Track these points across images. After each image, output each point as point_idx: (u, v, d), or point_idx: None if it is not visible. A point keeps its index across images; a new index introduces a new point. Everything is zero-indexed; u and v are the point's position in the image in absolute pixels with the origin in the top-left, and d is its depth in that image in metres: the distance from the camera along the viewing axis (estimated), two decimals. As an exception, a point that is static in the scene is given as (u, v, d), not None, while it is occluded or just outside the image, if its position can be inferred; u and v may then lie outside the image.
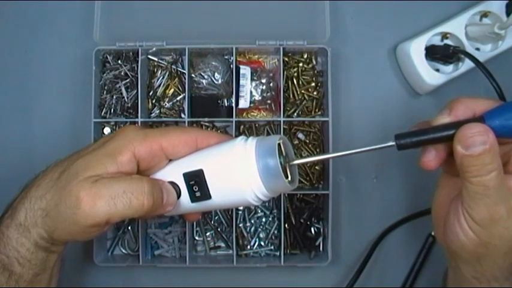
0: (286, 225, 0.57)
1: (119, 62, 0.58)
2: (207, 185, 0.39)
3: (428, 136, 0.36)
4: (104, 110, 0.58)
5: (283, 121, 0.56)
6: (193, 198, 0.40)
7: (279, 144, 0.38)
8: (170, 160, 0.41)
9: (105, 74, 0.58)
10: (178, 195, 0.40)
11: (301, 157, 0.44)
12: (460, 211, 0.37)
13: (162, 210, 0.40)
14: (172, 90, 0.59)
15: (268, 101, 0.58)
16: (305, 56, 0.59)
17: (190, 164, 0.40)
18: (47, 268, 0.42)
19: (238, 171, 0.37)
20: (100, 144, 0.40)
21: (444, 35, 0.56)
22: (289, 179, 0.38)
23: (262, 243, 0.58)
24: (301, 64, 0.59)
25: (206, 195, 0.39)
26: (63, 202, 0.38)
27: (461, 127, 0.35)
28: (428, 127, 0.37)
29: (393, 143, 0.37)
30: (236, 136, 0.41)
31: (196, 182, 0.39)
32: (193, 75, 0.57)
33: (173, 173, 0.40)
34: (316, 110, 0.59)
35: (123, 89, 0.58)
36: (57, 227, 0.39)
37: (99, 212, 0.37)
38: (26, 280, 0.40)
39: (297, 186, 0.40)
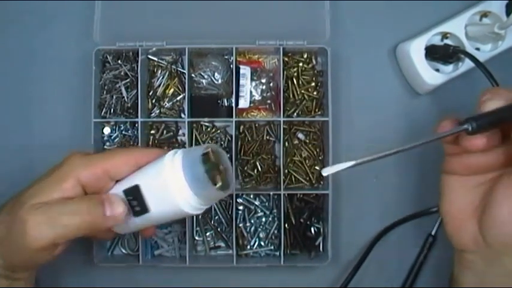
0: (286, 225, 0.57)
1: (119, 62, 0.58)
2: (144, 200, 0.41)
3: (503, 115, 0.37)
4: (104, 110, 0.58)
5: (283, 121, 0.56)
6: (135, 213, 0.42)
7: (207, 153, 0.40)
8: (117, 181, 0.44)
9: (105, 74, 0.58)
10: None
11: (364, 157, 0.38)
12: None
13: (110, 221, 0.42)
14: (172, 90, 0.59)
15: (268, 101, 0.58)
16: (305, 56, 0.59)
17: (129, 181, 0.42)
18: None
19: (169, 183, 0.39)
20: (48, 173, 0.43)
21: (444, 35, 0.56)
22: (219, 185, 0.40)
23: (262, 243, 0.58)
24: (301, 64, 0.59)
25: (145, 209, 0.41)
26: (13, 229, 0.41)
27: None
28: (494, 109, 0.37)
29: (468, 127, 0.36)
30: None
31: (134, 197, 0.41)
32: (193, 75, 0.57)
33: (116, 192, 0.43)
34: (316, 110, 0.59)
35: (123, 89, 0.58)
36: (12, 254, 0.42)
37: (44, 236, 0.40)
38: None
39: (231, 191, 0.42)
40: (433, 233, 0.57)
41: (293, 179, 0.58)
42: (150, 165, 0.42)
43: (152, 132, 0.59)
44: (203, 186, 0.39)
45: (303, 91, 0.59)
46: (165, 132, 0.58)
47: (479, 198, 0.40)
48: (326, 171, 0.38)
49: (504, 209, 0.37)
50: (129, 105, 0.58)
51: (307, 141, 0.59)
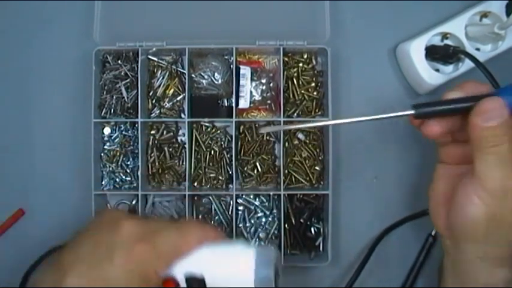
0: (286, 226, 0.57)
1: (119, 62, 0.58)
2: None
3: (446, 106, 0.39)
4: (104, 110, 0.58)
5: (283, 121, 0.56)
6: None
7: (275, 258, 0.40)
8: None
9: (105, 74, 0.58)
10: None
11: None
12: (472, 185, 0.38)
13: None
14: (172, 90, 0.59)
15: (268, 101, 0.58)
16: (305, 56, 0.59)
17: (193, 265, 0.40)
18: None
19: (237, 280, 0.39)
20: (107, 254, 0.38)
21: (444, 35, 0.56)
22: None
23: (262, 244, 0.58)
24: (301, 64, 0.59)
25: None
26: None
27: (481, 101, 0.37)
28: (444, 99, 0.39)
29: (413, 112, 0.39)
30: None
31: (196, 286, 0.40)
32: (193, 75, 0.57)
33: (176, 271, 0.40)
34: (316, 110, 0.59)
35: (123, 89, 0.58)
36: None
37: None
38: None
39: None
40: (433, 233, 0.57)
41: (293, 179, 0.58)
42: (219, 256, 0.41)
43: (152, 132, 0.59)
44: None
45: (303, 91, 0.59)
46: (165, 132, 0.59)
47: (453, 187, 0.42)
48: (264, 130, 0.41)
49: (463, 203, 0.39)
50: (129, 105, 0.58)
51: (307, 141, 0.59)
